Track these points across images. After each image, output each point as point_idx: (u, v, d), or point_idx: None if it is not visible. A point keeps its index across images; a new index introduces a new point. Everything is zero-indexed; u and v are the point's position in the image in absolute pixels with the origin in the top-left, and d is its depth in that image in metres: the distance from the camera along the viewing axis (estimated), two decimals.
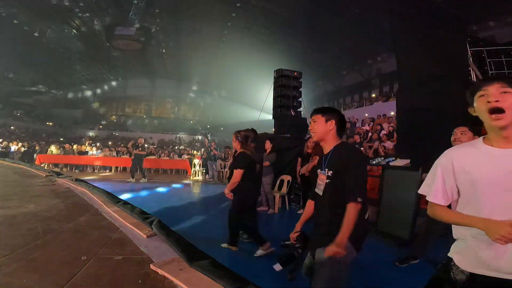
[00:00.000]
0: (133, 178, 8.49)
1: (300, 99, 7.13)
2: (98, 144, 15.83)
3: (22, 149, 13.32)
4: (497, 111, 0.92)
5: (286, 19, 15.57)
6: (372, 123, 10.56)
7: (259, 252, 2.83)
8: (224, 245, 2.99)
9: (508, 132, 0.93)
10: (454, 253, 1.04)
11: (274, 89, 7.12)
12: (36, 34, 17.07)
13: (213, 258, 1.73)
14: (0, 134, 17.51)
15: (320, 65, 20.40)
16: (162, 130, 27.64)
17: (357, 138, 8.71)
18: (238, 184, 2.84)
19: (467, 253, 0.99)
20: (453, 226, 1.05)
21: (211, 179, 9.73)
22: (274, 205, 4.95)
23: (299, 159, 5.13)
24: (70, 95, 28.60)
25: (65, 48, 19.94)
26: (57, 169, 10.04)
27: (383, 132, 8.62)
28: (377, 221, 3.67)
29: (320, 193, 1.51)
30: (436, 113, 4.17)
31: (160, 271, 1.61)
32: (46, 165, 10.75)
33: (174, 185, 8.39)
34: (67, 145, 12.94)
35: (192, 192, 7.98)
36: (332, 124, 1.52)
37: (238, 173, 2.83)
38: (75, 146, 13.21)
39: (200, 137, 24.93)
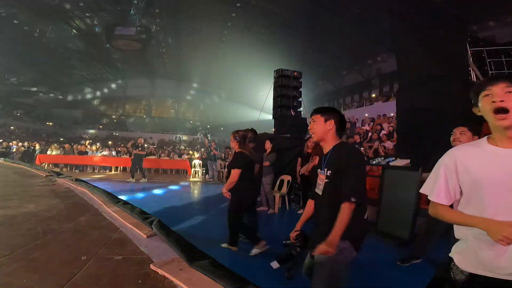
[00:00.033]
0: (133, 178, 8.49)
1: (300, 99, 7.12)
2: (98, 144, 15.82)
3: (22, 149, 13.33)
4: (502, 111, 0.92)
5: (286, 19, 15.57)
6: (372, 123, 10.55)
7: (254, 251, 2.84)
8: (224, 245, 2.99)
9: None
10: (455, 253, 1.04)
11: (274, 89, 7.12)
12: (36, 34, 17.08)
13: (213, 258, 1.73)
14: (0, 134, 17.52)
15: (320, 65, 20.40)
16: (162, 130, 27.63)
17: (357, 138, 8.71)
18: (235, 184, 2.86)
19: (468, 254, 0.99)
20: (455, 226, 1.05)
21: (211, 179, 9.73)
22: (274, 205, 4.95)
23: (299, 159, 5.13)
24: (70, 95, 28.62)
25: (65, 48, 19.94)
26: (57, 169, 10.05)
27: (383, 132, 8.61)
28: (377, 221, 3.66)
29: (320, 193, 1.52)
30: (436, 113, 4.17)
31: (160, 271, 1.61)
32: (46, 165, 10.76)
33: (174, 185, 8.38)
34: (67, 145, 12.94)
35: (192, 192, 7.98)
36: (331, 124, 1.52)
37: (235, 173, 2.84)
38: (77, 146, 13.22)
39: (200, 137, 24.93)
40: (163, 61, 23.55)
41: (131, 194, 6.08)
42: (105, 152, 12.30)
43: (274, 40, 17.55)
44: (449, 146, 2.34)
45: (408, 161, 3.72)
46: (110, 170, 11.34)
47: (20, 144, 14.15)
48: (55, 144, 13.93)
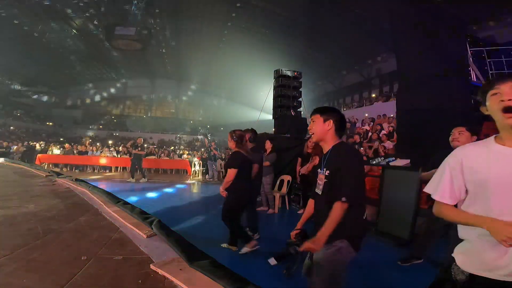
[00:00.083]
0: (133, 178, 8.49)
1: (300, 99, 7.12)
2: (98, 144, 15.83)
3: (22, 149, 13.33)
4: (510, 110, 0.91)
5: (286, 19, 15.56)
6: (372, 123, 10.56)
7: (244, 249, 2.85)
8: (224, 245, 3.00)
9: None
10: (458, 253, 1.03)
11: (274, 89, 7.12)
12: (36, 34, 17.07)
13: (213, 258, 1.73)
14: (0, 134, 17.51)
15: (320, 65, 20.38)
16: (162, 130, 27.63)
17: (357, 138, 8.72)
18: (232, 183, 2.87)
19: (472, 254, 0.98)
20: (459, 226, 1.04)
21: (211, 179, 9.74)
22: (274, 205, 4.95)
23: (299, 159, 5.13)
24: (70, 95, 28.60)
25: (65, 48, 19.92)
26: (57, 169, 10.05)
27: (383, 132, 8.62)
28: (377, 221, 3.66)
29: (320, 192, 1.52)
30: (436, 113, 4.17)
31: (160, 271, 1.61)
32: (46, 165, 10.76)
33: (174, 185, 8.38)
34: (67, 145, 12.95)
35: (192, 192, 7.98)
36: (330, 124, 1.52)
37: (231, 172, 2.86)
38: (77, 146, 13.22)
39: (200, 137, 24.93)
40: (163, 61, 23.53)
41: (131, 194, 6.09)
42: (107, 153, 12.32)
43: (274, 40, 17.53)
44: (448, 146, 2.34)
45: (408, 161, 3.73)
46: (110, 170, 11.35)
47: (20, 144, 14.14)
48: (55, 144, 13.92)
